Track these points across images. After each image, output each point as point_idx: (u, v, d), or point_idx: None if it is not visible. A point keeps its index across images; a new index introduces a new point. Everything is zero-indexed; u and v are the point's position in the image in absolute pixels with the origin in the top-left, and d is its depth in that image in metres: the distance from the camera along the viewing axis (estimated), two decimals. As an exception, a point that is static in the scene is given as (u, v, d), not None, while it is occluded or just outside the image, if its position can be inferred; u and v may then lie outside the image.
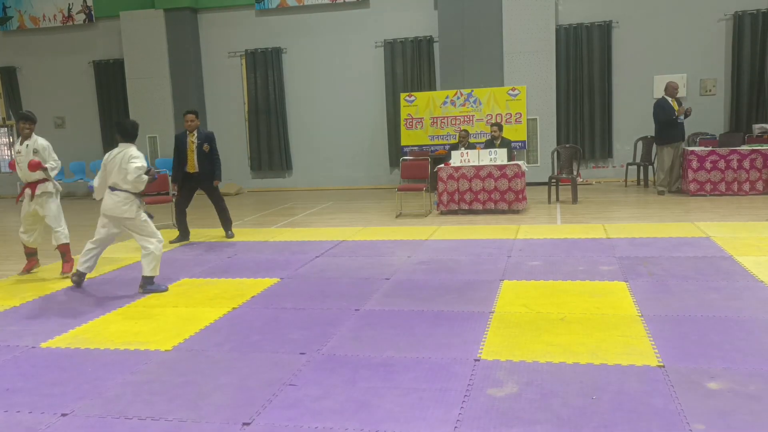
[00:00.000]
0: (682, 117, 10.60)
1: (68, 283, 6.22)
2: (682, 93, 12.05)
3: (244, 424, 3.11)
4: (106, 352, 4.22)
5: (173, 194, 9.13)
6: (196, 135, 8.16)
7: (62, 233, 6.58)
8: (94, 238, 5.95)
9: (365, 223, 9.25)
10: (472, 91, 12.73)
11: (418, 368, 3.68)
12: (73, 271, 6.07)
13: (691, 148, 10.44)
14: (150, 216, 5.84)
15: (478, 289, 5.32)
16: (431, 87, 13.59)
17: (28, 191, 6.50)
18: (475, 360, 3.77)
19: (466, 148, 10.28)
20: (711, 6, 12.44)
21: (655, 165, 11.55)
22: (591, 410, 3.07)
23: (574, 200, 10.24)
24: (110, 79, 15.20)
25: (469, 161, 9.58)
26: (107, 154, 5.85)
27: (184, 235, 8.25)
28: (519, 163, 9.56)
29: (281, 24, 14.32)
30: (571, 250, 6.64)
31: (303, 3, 14.06)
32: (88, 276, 6.19)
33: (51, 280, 6.41)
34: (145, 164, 5.65)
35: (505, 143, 10.56)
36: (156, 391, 3.55)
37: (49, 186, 6.50)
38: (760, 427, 2.86)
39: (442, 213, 9.70)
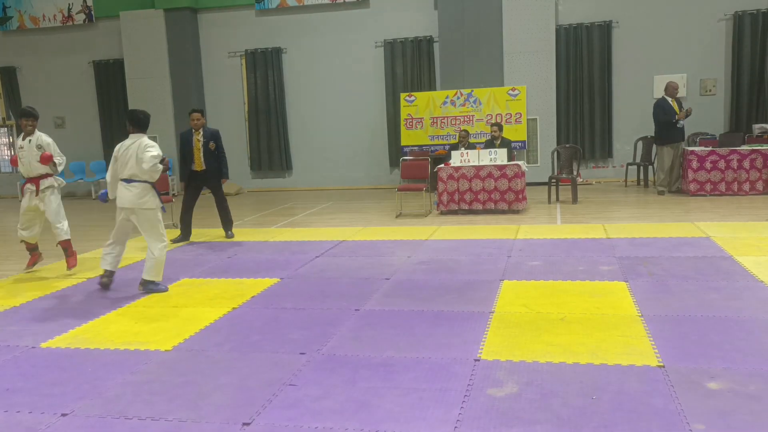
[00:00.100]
0: (681, 122, 10.60)
1: (69, 282, 6.22)
2: (682, 93, 12.05)
3: (244, 424, 3.11)
4: (106, 352, 4.23)
5: (173, 194, 9.13)
6: (201, 133, 8.17)
7: (63, 229, 6.58)
8: (113, 234, 5.83)
9: (365, 223, 9.25)
10: (472, 91, 12.73)
11: (418, 368, 3.68)
12: (105, 271, 5.90)
13: (691, 148, 10.44)
14: (162, 209, 5.82)
15: (478, 289, 5.32)
16: (431, 87, 13.59)
17: (30, 186, 6.50)
18: (475, 360, 3.77)
19: (466, 148, 10.29)
20: (711, 6, 12.44)
21: (655, 165, 11.55)
22: (591, 410, 3.07)
23: (574, 200, 10.24)
24: (110, 79, 15.20)
25: (469, 161, 9.58)
26: (118, 147, 5.72)
27: (185, 234, 8.25)
28: (519, 163, 9.56)
29: (281, 24, 14.32)
30: (571, 250, 6.64)
31: (303, 3, 14.06)
32: (88, 276, 6.19)
33: (51, 280, 6.41)
34: (160, 153, 5.61)
35: (505, 143, 10.57)
36: (156, 391, 3.55)
37: (52, 181, 6.53)
38: (760, 427, 2.86)
39: (442, 213, 9.70)
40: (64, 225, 6.60)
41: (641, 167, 12.10)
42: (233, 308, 5.12)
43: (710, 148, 10.20)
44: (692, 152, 10.24)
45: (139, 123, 5.67)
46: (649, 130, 11.49)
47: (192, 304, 5.32)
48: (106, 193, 5.87)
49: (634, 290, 5.08)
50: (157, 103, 14.39)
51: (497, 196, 9.45)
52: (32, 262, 6.85)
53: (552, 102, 12.81)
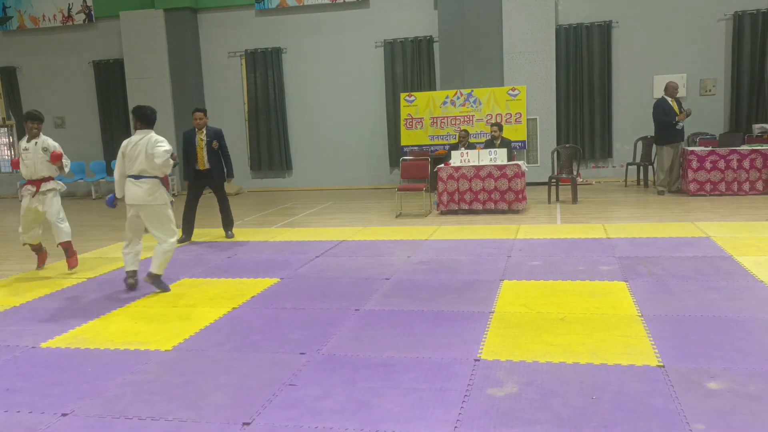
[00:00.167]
0: (681, 124, 10.61)
1: (69, 282, 6.22)
2: (682, 93, 12.06)
3: (244, 424, 3.11)
4: (106, 352, 4.23)
5: (174, 194, 9.14)
6: (204, 132, 8.17)
7: (64, 230, 6.60)
8: (127, 233, 5.79)
9: (365, 223, 9.25)
10: (472, 91, 12.73)
11: (418, 368, 3.68)
12: (128, 273, 5.81)
13: (691, 148, 10.44)
14: (171, 203, 5.81)
15: (478, 289, 5.32)
16: (431, 87, 13.59)
17: (30, 187, 6.51)
18: (475, 360, 3.77)
19: (466, 148, 10.29)
20: (711, 6, 12.44)
21: (654, 165, 11.55)
22: (591, 410, 3.07)
23: (574, 200, 10.24)
24: (110, 79, 15.20)
25: (469, 161, 9.58)
26: (125, 143, 5.67)
27: (188, 234, 8.24)
28: (519, 163, 9.56)
29: (281, 24, 14.32)
30: (571, 250, 6.64)
31: (303, 3, 14.06)
32: (88, 276, 6.19)
33: (51, 280, 6.41)
34: (170, 147, 5.62)
35: (505, 143, 10.57)
36: (156, 391, 3.55)
37: (54, 184, 6.55)
38: (760, 427, 2.86)
39: (442, 213, 9.70)
40: (66, 226, 6.63)
41: (641, 167, 12.10)
42: (233, 308, 5.12)
43: (710, 148, 10.20)
44: (692, 152, 10.24)
45: (147, 119, 5.66)
46: (649, 130, 11.49)
47: (192, 304, 5.32)
48: (113, 199, 5.82)
49: (634, 290, 5.08)
50: (157, 103, 14.21)
51: (497, 196, 9.45)
52: (42, 261, 6.90)
53: (552, 102, 12.81)
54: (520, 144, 12.48)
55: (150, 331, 4.61)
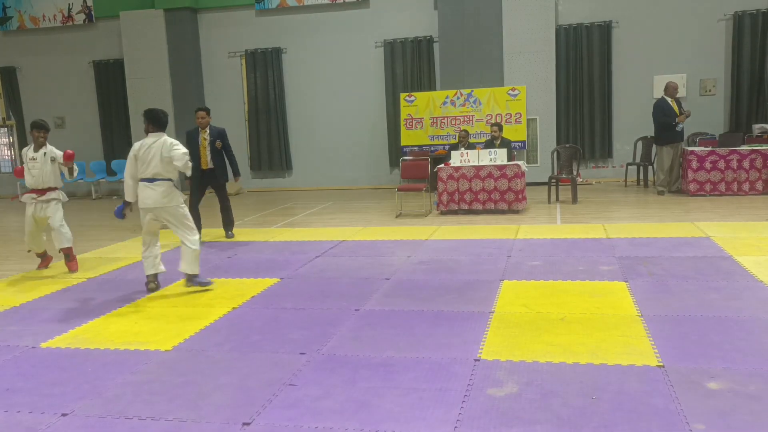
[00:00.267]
0: (681, 125, 10.61)
1: (69, 282, 6.23)
2: (682, 93, 12.06)
3: (244, 424, 3.11)
4: (106, 352, 4.23)
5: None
6: (208, 132, 8.16)
7: (65, 236, 6.65)
8: (144, 237, 5.74)
9: (365, 223, 9.25)
10: (472, 91, 12.73)
11: (418, 368, 3.68)
12: (149, 277, 5.77)
13: (690, 148, 10.44)
14: (184, 201, 5.81)
15: (478, 289, 5.32)
16: (431, 87, 13.59)
17: (32, 195, 6.53)
18: (475, 360, 3.77)
19: (466, 148, 10.29)
20: (711, 6, 12.44)
21: (654, 165, 11.55)
22: (591, 410, 3.07)
23: (574, 200, 10.24)
24: (110, 79, 15.20)
25: (469, 161, 9.58)
26: (137, 146, 5.61)
27: None
28: (519, 163, 9.56)
29: (281, 24, 14.32)
30: (571, 250, 6.64)
31: (303, 3, 14.06)
32: (88, 276, 6.19)
33: (52, 280, 6.41)
34: (186, 150, 5.62)
35: (505, 143, 10.56)
36: (156, 391, 3.55)
37: (58, 194, 6.61)
38: (760, 427, 2.86)
39: (442, 213, 9.70)
40: (67, 232, 6.68)
41: (641, 167, 12.10)
42: (233, 308, 5.12)
43: (710, 148, 10.20)
44: (692, 152, 10.24)
45: (160, 122, 5.66)
46: (649, 130, 11.49)
47: (192, 304, 5.32)
48: (122, 209, 5.69)
49: (634, 290, 5.08)
50: (157, 103, 14.25)
51: (497, 196, 9.45)
52: (44, 265, 6.95)
53: (552, 102, 12.81)
54: (520, 144, 12.47)
55: (150, 331, 4.62)
